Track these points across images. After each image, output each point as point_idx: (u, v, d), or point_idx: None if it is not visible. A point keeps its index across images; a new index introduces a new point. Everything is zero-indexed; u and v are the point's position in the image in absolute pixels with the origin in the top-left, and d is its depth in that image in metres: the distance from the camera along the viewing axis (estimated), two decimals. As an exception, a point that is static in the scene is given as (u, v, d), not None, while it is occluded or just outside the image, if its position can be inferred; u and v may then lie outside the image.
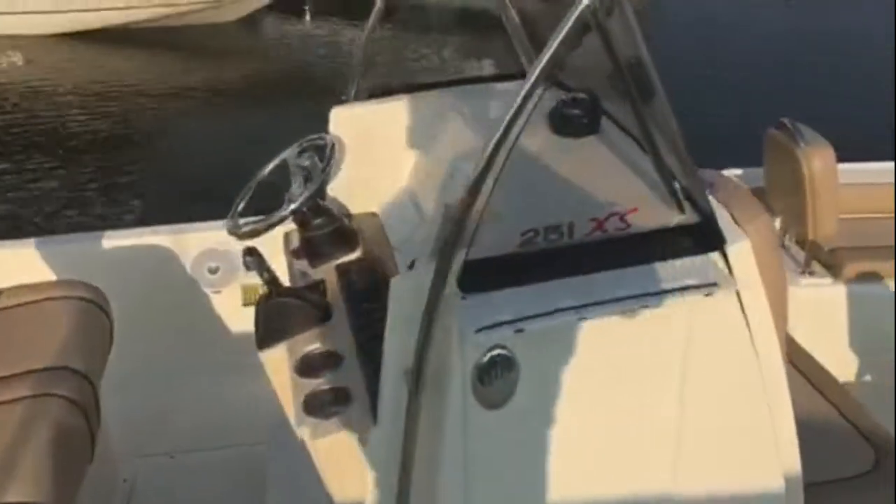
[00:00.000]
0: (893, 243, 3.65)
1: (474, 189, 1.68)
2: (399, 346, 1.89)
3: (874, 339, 3.68)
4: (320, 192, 2.45)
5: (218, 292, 3.65)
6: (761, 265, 2.06)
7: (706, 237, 1.93)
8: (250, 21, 10.88)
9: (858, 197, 3.83)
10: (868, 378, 3.75)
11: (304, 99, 9.43)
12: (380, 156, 2.78)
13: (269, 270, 2.39)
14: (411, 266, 2.45)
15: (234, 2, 10.25)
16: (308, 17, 11.63)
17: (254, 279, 3.62)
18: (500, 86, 2.79)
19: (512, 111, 1.66)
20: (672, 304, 1.82)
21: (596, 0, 1.59)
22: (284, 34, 11.19)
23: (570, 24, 1.61)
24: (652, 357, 1.91)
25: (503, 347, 1.81)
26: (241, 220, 2.56)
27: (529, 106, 1.66)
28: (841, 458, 2.59)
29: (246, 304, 3.71)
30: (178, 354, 3.51)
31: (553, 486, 2.00)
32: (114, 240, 3.58)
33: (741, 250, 1.96)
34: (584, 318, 1.78)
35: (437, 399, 1.87)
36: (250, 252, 2.39)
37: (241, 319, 3.68)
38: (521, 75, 2.82)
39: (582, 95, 2.34)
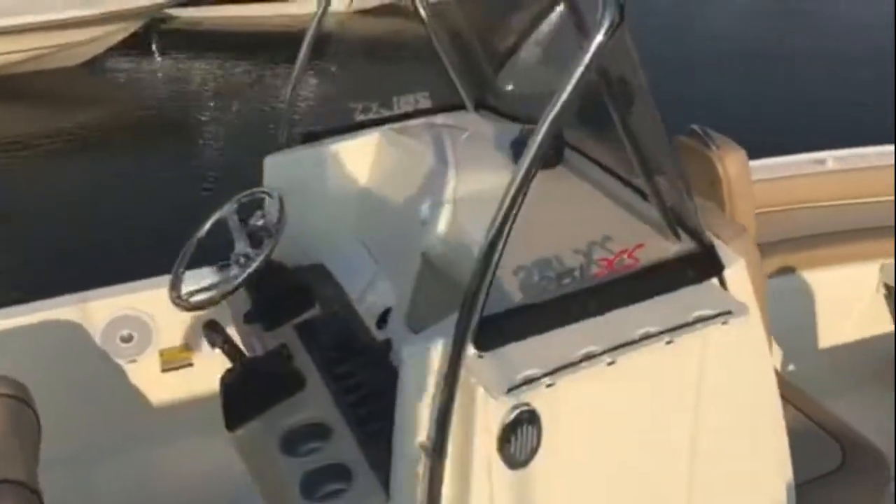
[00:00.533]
0: (806, 234, 3.79)
1: (491, 249, 1.58)
2: (414, 417, 1.76)
3: (796, 332, 3.80)
4: (273, 251, 2.27)
5: (133, 361, 3.36)
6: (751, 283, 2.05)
7: (707, 264, 1.90)
8: (97, 63, 10.31)
9: (767, 192, 3.95)
10: (793, 368, 3.87)
11: (159, 140, 8.99)
12: (321, 203, 2.62)
13: (231, 343, 2.20)
14: (383, 318, 2.32)
15: (79, 45, 9.69)
16: (157, 55, 11.17)
17: (172, 342, 3.39)
18: (440, 119, 2.69)
19: (523, 169, 1.56)
20: (692, 336, 1.78)
21: (606, 44, 1.52)
22: (133, 74, 10.66)
23: (580, 70, 1.53)
24: (670, 389, 1.86)
25: (527, 404, 1.71)
26: (185, 290, 2.35)
27: (537, 163, 1.57)
28: (812, 457, 2.63)
29: (165, 370, 3.44)
30: (100, 437, 3.21)
31: None
32: (12, 318, 3.24)
33: (737, 272, 1.95)
34: (612, 363, 1.71)
35: (459, 466, 1.75)
36: (212, 326, 2.19)
37: (163, 388, 3.42)
38: (460, 106, 2.74)
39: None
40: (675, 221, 1.90)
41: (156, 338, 3.35)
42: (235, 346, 2.20)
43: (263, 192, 2.41)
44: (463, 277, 1.99)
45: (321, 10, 2.51)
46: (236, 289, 2.23)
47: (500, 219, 1.57)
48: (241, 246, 2.36)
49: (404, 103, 2.67)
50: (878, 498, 2.58)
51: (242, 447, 2.17)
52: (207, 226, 2.44)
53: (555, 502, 1.84)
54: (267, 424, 2.14)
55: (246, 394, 2.16)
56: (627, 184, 2.11)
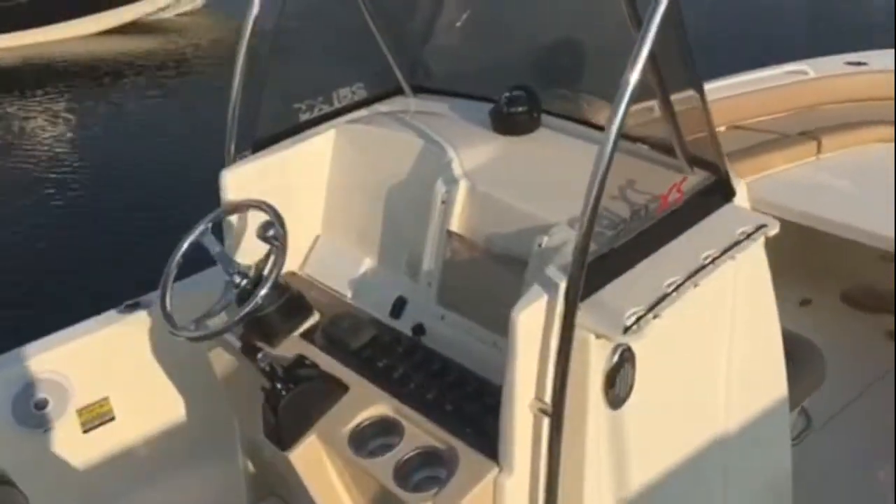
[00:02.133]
0: None
1: (595, 206, 1.68)
2: (525, 380, 1.80)
3: None
4: (283, 265, 2.18)
5: (51, 429, 3.06)
6: None
7: (725, 189, 2.10)
8: None
9: None
10: None
11: None
12: (286, 210, 2.54)
13: (272, 364, 2.10)
14: (398, 308, 2.31)
15: None
16: None
17: (89, 399, 3.12)
18: (383, 107, 2.69)
19: (604, 163, 1.67)
20: (744, 251, 1.96)
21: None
22: None
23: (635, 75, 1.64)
24: (727, 303, 2.04)
25: (626, 343, 1.81)
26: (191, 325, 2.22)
27: (627, 112, 1.67)
28: None
29: (87, 431, 3.15)
30: None
31: (667, 455, 2.07)
32: None
33: (742, 193, 2.16)
34: (696, 285, 1.85)
35: (571, 417, 1.81)
36: (253, 350, 2.07)
37: (88, 451, 3.14)
38: (398, 91, 2.76)
39: (518, 93, 2.35)
40: (690, 155, 2.06)
41: (73, 398, 3.06)
42: (274, 368, 2.10)
43: (250, 206, 2.29)
44: (505, 244, 2.06)
45: (249, 26, 2.42)
46: (254, 310, 2.13)
47: (599, 174, 1.65)
48: (232, 265, 2.25)
49: (343, 97, 2.64)
50: (818, 384, 2.94)
51: (301, 465, 2.08)
52: (183, 248, 2.30)
53: (648, 431, 1.97)
54: (325, 435, 2.07)
55: (296, 410, 2.08)
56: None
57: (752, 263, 2.08)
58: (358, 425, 2.06)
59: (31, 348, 3.03)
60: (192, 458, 3.25)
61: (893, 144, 4.13)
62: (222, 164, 2.46)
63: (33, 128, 9.64)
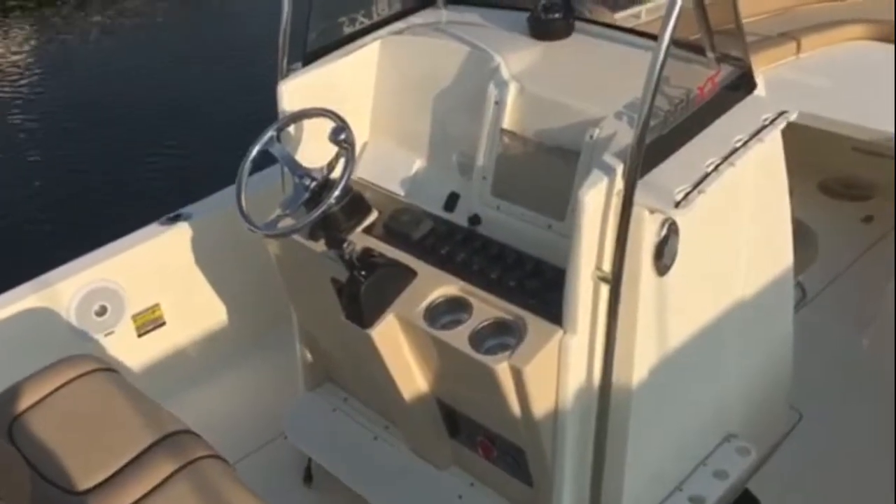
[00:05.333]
0: None
1: (645, 123, 1.91)
2: (588, 253, 2.06)
3: None
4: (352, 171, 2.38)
5: (111, 333, 3.29)
6: None
7: (748, 81, 2.35)
8: None
9: None
10: None
11: None
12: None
13: (351, 254, 2.33)
14: (451, 202, 2.54)
15: None
16: None
17: (142, 305, 3.35)
18: (417, 18, 2.87)
19: (655, 73, 1.87)
20: (770, 135, 2.23)
21: None
22: None
23: None
24: (747, 180, 2.31)
25: (672, 217, 2.08)
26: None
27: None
28: None
29: (141, 335, 3.40)
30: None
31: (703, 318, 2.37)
32: None
33: (761, 85, 2.42)
34: (733, 165, 2.12)
35: (626, 284, 2.09)
36: (342, 241, 2.30)
37: (144, 353, 3.38)
38: (430, 2, 2.94)
39: (554, 0, 2.56)
40: (719, 51, 2.30)
41: (128, 304, 3.29)
42: (353, 257, 2.34)
43: (316, 114, 2.46)
44: (556, 138, 2.31)
45: None
46: (327, 209, 2.33)
47: (655, 76, 1.87)
48: (301, 168, 2.45)
49: (381, 10, 2.82)
50: (812, 260, 3.28)
51: (381, 341, 2.34)
52: (253, 154, 2.44)
53: (684, 297, 2.27)
54: (401, 314, 2.33)
55: (375, 293, 2.33)
56: (645, 35, 2.50)
57: (773, 146, 2.36)
58: (430, 304, 2.31)
59: (87, 259, 3.24)
60: (242, 356, 3.52)
61: (868, 42, 4.42)
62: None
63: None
